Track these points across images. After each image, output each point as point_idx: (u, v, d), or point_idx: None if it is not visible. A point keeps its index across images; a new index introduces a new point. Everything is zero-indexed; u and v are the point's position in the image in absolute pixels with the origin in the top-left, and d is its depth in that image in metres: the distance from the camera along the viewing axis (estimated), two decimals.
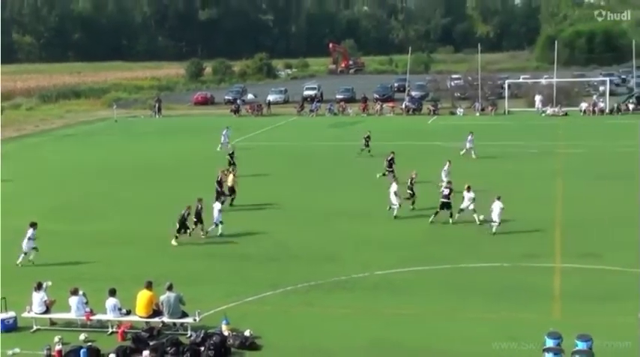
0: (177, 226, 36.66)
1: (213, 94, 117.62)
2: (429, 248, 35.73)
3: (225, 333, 25.18)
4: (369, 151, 60.25)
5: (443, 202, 40.00)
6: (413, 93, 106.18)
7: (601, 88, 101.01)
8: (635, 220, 38.76)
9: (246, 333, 25.33)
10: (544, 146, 63.50)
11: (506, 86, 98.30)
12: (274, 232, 39.38)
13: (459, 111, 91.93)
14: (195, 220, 37.27)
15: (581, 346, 22.61)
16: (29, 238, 34.30)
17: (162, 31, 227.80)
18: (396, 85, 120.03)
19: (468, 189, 39.59)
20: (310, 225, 40.59)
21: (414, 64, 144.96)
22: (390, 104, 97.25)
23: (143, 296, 26.48)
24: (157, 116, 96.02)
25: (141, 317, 26.40)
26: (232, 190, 45.63)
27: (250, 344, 24.91)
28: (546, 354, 22.73)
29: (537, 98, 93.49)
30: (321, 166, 58.22)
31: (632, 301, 26.12)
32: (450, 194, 40.10)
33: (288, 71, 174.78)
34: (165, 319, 26.28)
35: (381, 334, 25.95)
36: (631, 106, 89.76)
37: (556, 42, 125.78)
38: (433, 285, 31.01)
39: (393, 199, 41.28)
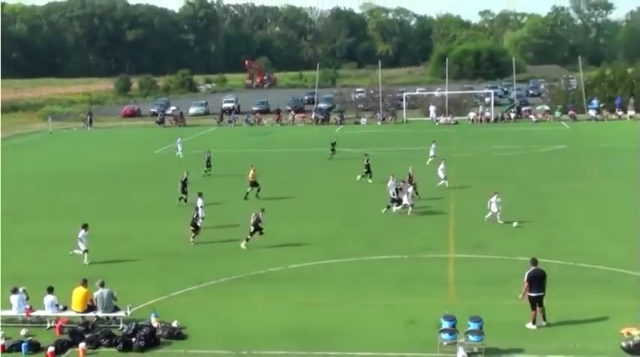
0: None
1: (140, 107, 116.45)
2: (338, 244, 35.86)
3: (155, 325, 24.99)
4: (333, 156, 60.66)
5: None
6: (321, 105, 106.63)
7: (486, 100, 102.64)
8: (517, 214, 39.66)
9: (174, 324, 25.20)
10: (439, 151, 64.00)
11: (404, 98, 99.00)
12: (201, 231, 39.22)
13: (363, 121, 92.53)
14: (253, 228, 35.86)
15: (473, 326, 23.11)
16: (81, 239, 33.71)
17: (93, 50, 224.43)
18: (306, 98, 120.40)
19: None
20: (231, 224, 40.43)
21: (322, 79, 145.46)
22: (301, 115, 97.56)
23: (78, 293, 26.16)
24: (89, 128, 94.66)
25: (77, 312, 26.06)
26: (255, 183, 46.71)
27: (178, 334, 24.81)
28: (442, 334, 23.17)
29: (431, 109, 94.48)
30: (239, 171, 57.97)
31: (515, 285, 26.60)
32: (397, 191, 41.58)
33: (208, 86, 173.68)
34: (99, 313, 26.01)
35: (296, 320, 26.08)
36: (512, 115, 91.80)
37: (447, 59, 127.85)
38: (341, 276, 31.19)
39: (405, 199, 41.69)
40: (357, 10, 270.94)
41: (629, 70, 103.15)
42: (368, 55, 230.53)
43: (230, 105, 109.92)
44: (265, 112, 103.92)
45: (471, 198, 45.27)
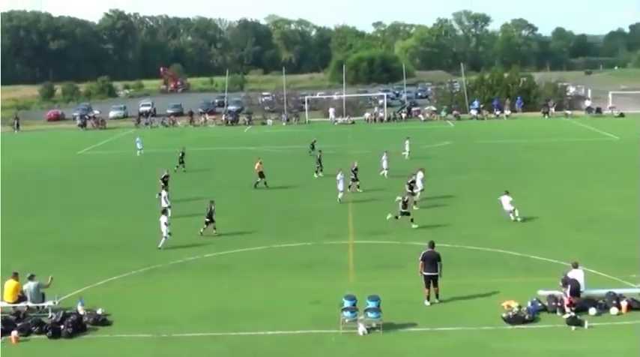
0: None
1: (63, 111, 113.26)
2: (249, 234, 35.72)
3: (81, 312, 24.54)
4: (311, 153, 59.70)
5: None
6: (231, 107, 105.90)
7: (380, 101, 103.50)
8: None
9: (99, 311, 24.76)
10: (338, 148, 64.53)
11: (306, 101, 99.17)
12: (119, 225, 38.71)
13: (269, 121, 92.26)
14: (207, 220, 35.48)
15: (371, 304, 23.35)
16: (165, 224, 33.54)
17: (18, 59, 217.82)
18: (216, 101, 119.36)
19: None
20: (150, 219, 39.86)
21: (231, 83, 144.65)
22: (213, 117, 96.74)
23: (10, 285, 25.55)
24: (16, 131, 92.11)
25: (9, 303, 25.43)
26: (262, 174, 46.90)
27: (103, 320, 24.41)
28: (344, 312, 23.32)
29: (331, 110, 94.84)
30: (157, 169, 57.21)
31: (410, 267, 26.98)
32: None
33: (127, 91, 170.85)
34: (30, 303, 25.42)
35: (212, 305, 25.90)
36: (403, 115, 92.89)
37: (344, 66, 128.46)
38: (253, 263, 31.09)
39: (341, 186, 41.98)
40: (263, 21, 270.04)
41: (505, 75, 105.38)
42: (273, 62, 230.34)
43: (147, 108, 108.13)
44: (179, 114, 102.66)
45: (369, 191, 45.65)
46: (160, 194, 41.89)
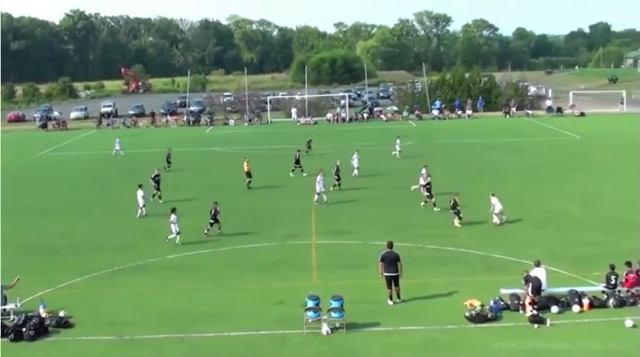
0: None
1: (24, 112, 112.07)
2: (212, 234, 35.58)
3: (43, 315, 24.32)
4: (308, 153, 60.06)
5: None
6: (192, 108, 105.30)
7: (342, 102, 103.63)
8: (372, 202, 40.36)
9: (61, 314, 24.60)
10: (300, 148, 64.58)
11: (268, 101, 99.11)
12: (81, 228, 38.30)
13: (231, 122, 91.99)
14: (211, 220, 35.19)
15: (334, 304, 23.43)
16: (172, 223, 33.60)
17: None
18: (178, 101, 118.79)
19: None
20: (112, 220, 39.65)
21: (193, 84, 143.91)
22: (174, 117, 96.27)
23: None
24: None
25: None
26: (249, 174, 46.82)
27: (65, 323, 24.23)
28: (308, 312, 23.36)
29: (293, 111, 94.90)
30: (119, 170, 56.91)
31: (372, 267, 27.08)
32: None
33: (88, 92, 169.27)
34: None
35: (175, 306, 25.82)
36: (365, 115, 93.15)
37: (306, 66, 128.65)
38: (216, 264, 31.02)
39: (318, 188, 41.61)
40: (224, 22, 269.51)
41: (466, 75, 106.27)
42: (235, 62, 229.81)
43: (108, 109, 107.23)
44: (141, 115, 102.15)
45: (332, 191, 45.73)
46: (154, 195, 41.62)
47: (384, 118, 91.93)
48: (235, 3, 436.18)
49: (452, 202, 36.46)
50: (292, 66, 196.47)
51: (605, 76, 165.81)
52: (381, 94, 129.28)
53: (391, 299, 25.51)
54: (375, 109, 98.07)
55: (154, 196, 42.85)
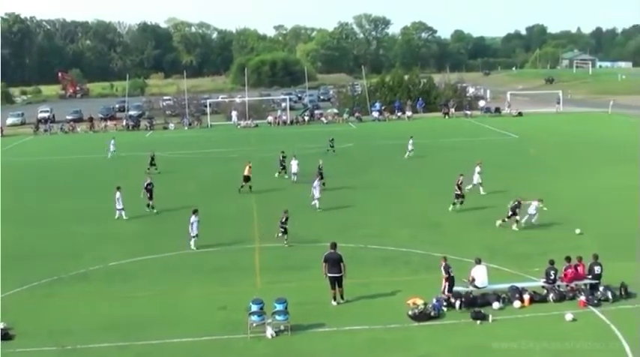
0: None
1: None
2: (154, 240, 35.29)
3: None
4: (334, 151, 60.68)
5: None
6: (131, 112, 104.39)
7: (283, 105, 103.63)
8: (321, 205, 40.42)
9: (0, 325, 23.96)
10: (241, 151, 64.46)
11: (208, 105, 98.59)
12: (23, 236, 37.52)
13: (171, 126, 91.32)
14: (282, 229, 33.66)
15: (278, 307, 23.42)
16: (197, 222, 33.19)
17: None
18: (117, 106, 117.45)
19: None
20: (53, 228, 39.01)
21: (132, 88, 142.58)
22: (113, 122, 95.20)
23: None
24: None
25: None
26: (248, 178, 45.66)
27: (5, 335, 23.59)
28: (252, 316, 23.29)
29: (233, 113, 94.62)
30: (61, 176, 56.02)
31: (316, 268, 27.13)
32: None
33: (24, 97, 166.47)
34: None
35: (117, 313, 25.48)
36: (306, 118, 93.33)
37: (246, 69, 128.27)
38: (159, 270, 30.70)
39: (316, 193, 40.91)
40: (163, 24, 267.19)
41: (406, 77, 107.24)
42: (174, 66, 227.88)
43: (45, 115, 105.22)
44: (79, 120, 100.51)
45: (273, 193, 45.75)
46: (148, 205, 40.84)
47: (325, 121, 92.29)
48: (174, 6, 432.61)
49: (514, 204, 35.59)
50: (232, 69, 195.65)
51: (542, 77, 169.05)
52: (322, 97, 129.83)
53: (335, 300, 25.60)
54: (316, 111, 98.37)
55: (148, 206, 41.34)
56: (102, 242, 34.85)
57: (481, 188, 43.42)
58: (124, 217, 39.45)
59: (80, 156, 66.31)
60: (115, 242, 35.13)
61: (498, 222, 35.74)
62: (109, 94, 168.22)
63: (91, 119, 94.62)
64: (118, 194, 39.39)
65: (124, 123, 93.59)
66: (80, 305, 26.68)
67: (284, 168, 50.95)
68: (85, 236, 36.04)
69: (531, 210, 35.96)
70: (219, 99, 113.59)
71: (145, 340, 23.09)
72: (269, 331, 23.02)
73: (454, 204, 39.80)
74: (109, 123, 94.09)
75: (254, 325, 23.22)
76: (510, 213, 35.46)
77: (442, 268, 25.48)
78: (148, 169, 53.43)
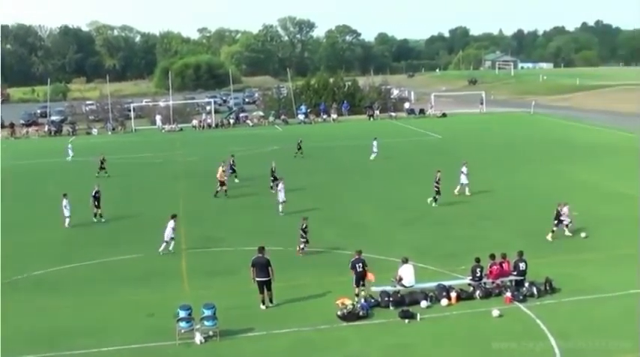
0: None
1: None
2: (79, 248, 34.57)
3: None
4: (302, 154, 60.30)
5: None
6: (54, 118, 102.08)
7: (207, 108, 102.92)
8: (241, 208, 40.21)
9: None
10: (166, 156, 63.84)
11: (131, 109, 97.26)
12: None
13: (94, 131, 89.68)
14: (303, 239, 32.56)
15: (207, 312, 23.22)
16: (172, 228, 32.81)
17: None
18: (38, 111, 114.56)
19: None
20: None
21: (54, 93, 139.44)
22: (35, 128, 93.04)
23: None
24: None
25: None
26: (222, 183, 44.70)
27: None
28: (180, 323, 23.02)
29: (158, 118, 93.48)
30: None
31: (244, 273, 26.97)
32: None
33: None
34: None
35: (43, 324, 24.86)
36: (232, 121, 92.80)
37: (170, 72, 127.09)
38: (83, 278, 30.05)
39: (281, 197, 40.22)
40: (85, 28, 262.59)
41: (331, 80, 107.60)
42: (96, 70, 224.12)
43: None
44: None
45: (200, 196, 45.40)
46: (95, 214, 39.70)
47: (251, 124, 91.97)
48: (96, 9, 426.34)
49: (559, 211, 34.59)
50: (156, 72, 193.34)
51: (465, 78, 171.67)
52: (247, 100, 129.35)
53: (264, 304, 25.50)
54: (242, 114, 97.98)
55: (95, 215, 39.96)
56: (25, 250, 33.99)
57: (467, 188, 43.74)
58: (67, 225, 38.50)
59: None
60: (39, 250, 34.31)
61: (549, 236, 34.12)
62: (31, 100, 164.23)
63: (11, 125, 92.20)
64: (64, 201, 38.39)
65: (46, 129, 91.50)
66: (4, 316, 25.81)
67: (234, 171, 50.34)
68: (12, 244, 35.07)
69: (566, 218, 34.56)
70: (143, 103, 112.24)
71: (71, 349, 22.59)
72: (198, 337, 22.79)
73: (435, 199, 41.01)
74: (30, 129, 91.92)
75: (182, 331, 22.95)
76: (556, 222, 34.35)
77: (351, 262, 26.03)
78: (98, 173, 52.67)
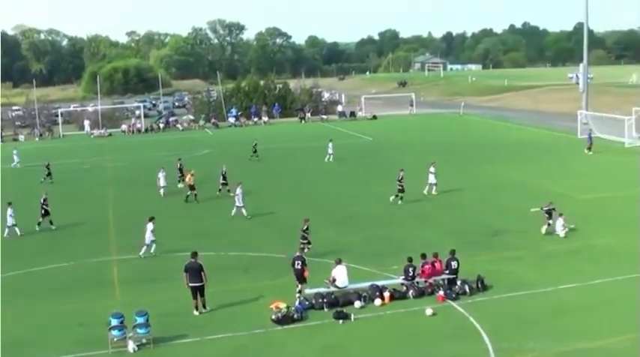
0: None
1: None
2: (9, 258, 33.48)
3: None
4: (257, 157, 60.10)
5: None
6: None
7: (137, 112, 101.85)
8: (172, 212, 39.83)
9: None
10: (95, 162, 62.91)
11: (59, 114, 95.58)
12: None
13: (21, 137, 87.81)
14: (303, 240, 31.79)
15: (139, 320, 22.90)
16: (151, 231, 32.44)
17: None
18: None
19: None
20: None
21: None
22: None
23: None
24: None
25: None
26: (192, 187, 44.26)
27: None
28: (112, 331, 22.65)
29: (86, 123, 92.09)
30: None
31: (176, 279, 26.70)
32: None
33: None
34: None
35: None
36: (161, 125, 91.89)
37: (98, 76, 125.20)
38: (11, 289, 29.06)
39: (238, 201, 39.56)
40: (10, 32, 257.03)
41: (262, 83, 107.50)
42: (23, 74, 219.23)
43: None
44: None
45: (129, 202, 44.87)
46: (39, 223, 38.47)
47: (181, 128, 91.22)
48: (22, 12, 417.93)
49: (547, 208, 34.85)
50: (84, 76, 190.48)
51: (395, 81, 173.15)
52: (177, 104, 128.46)
53: (197, 310, 25.27)
54: (171, 118, 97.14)
55: (39, 224, 38.81)
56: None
57: (434, 188, 44.11)
58: (18, 233, 37.43)
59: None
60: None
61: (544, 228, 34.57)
62: None
63: None
64: (9, 210, 37.41)
65: None
66: None
67: (182, 175, 49.57)
68: None
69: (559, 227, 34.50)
70: (71, 108, 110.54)
71: None
72: (131, 346, 22.44)
73: (397, 196, 41.76)
74: None
75: (115, 339, 22.57)
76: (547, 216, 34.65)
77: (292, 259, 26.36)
78: (43, 179, 51.71)
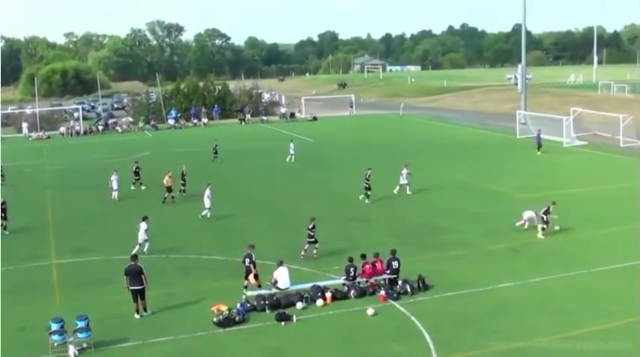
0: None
1: None
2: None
3: None
4: (217, 157, 60.65)
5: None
6: None
7: (75, 115, 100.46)
8: (112, 215, 39.34)
9: None
10: (34, 165, 61.88)
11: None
12: None
13: None
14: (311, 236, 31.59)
15: (80, 324, 22.66)
16: (145, 230, 32.04)
17: None
18: None
19: None
20: None
21: None
22: None
23: None
24: None
25: None
26: (170, 189, 43.91)
27: None
28: (52, 336, 22.35)
29: (24, 125, 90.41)
30: None
31: (116, 282, 26.43)
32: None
33: None
34: None
35: None
36: (100, 128, 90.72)
37: (36, 78, 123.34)
38: None
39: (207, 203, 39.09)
40: None
41: (201, 84, 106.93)
42: None
43: None
44: None
45: (68, 206, 44.28)
46: (3, 226, 37.55)
47: (120, 130, 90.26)
48: None
49: (546, 209, 34.39)
50: (21, 78, 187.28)
51: (335, 82, 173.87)
52: (116, 106, 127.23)
53: (138, 313, 25.06)
54: (110, 120, 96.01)
55: (3, 227, 37.92)
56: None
57: (407, 188, 44.43)
58: None
59: None
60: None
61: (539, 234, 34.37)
62: None
63: None
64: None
65: None
66: None
67: (139, 178, 48.94)
68: None
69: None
70: (9, 110, 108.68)
71: None
72: (71, 350, 22.15)
73: (366, 195, 42.20)
74: None
75: (55, 344, 22.26)
76: (545, 219, 34.32)
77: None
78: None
